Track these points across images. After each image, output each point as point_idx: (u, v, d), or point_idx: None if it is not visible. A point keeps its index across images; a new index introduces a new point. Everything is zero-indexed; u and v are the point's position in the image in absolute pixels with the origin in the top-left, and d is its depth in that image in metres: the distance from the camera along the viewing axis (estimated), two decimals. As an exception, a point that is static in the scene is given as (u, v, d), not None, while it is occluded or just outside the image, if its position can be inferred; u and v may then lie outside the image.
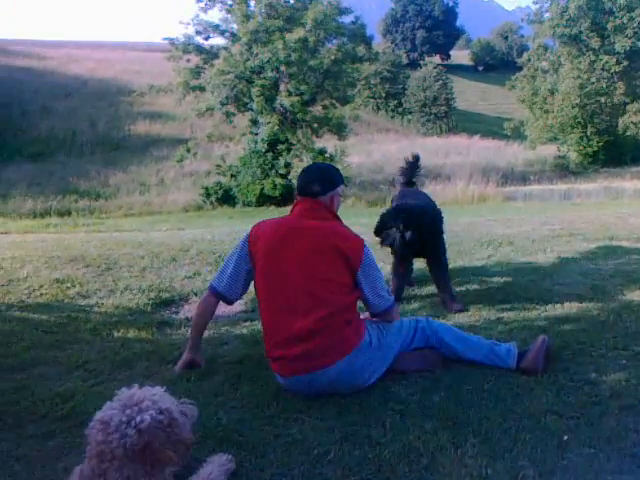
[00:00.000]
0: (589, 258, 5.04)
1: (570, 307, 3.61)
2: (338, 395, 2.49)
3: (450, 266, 4.55)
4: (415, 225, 3.63)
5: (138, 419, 1.51)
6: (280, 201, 20.77)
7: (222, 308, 3.94)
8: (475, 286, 4.26)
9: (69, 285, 4.31)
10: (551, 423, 2.24)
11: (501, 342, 2.87)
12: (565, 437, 2.15)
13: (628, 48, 32.46)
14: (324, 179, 2.76)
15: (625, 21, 32.31)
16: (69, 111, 31.17)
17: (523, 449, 2.08)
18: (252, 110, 22.88)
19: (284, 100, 22.11)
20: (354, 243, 2.61)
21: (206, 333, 3.36)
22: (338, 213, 2.82)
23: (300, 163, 22.18)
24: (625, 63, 32.92)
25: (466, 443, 2.11)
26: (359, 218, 10.36)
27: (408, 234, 3.63)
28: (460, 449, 2.08)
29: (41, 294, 4.16)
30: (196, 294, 4.20)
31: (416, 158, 4.79)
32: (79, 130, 29.32)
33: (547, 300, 3.75)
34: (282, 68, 22.22)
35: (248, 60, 22.30)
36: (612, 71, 32.90)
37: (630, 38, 32.30)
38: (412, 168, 4.66)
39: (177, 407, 1.66)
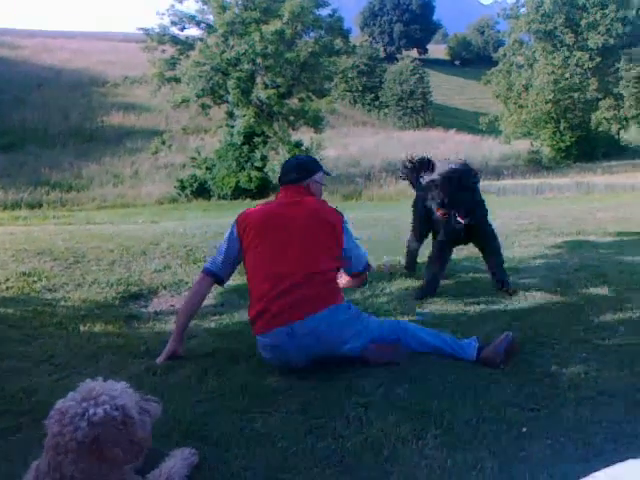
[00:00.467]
0: (556, 252, 5.13)
1: (534, 301, 3.67)
2: (303, 388, 2.51)
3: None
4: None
5: (91, 412, 1.50)
6: (256, 194, 20.72)
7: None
8: (444, 280, 4.30)
9: (36, 279, 4.25)
10: (511, 415, 2.28)
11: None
12: (524, 428, 2.19)
13: (601, 45, 33.01)
14: (300, 168, 3.04)
15: (598, 18, 32.81)
16: (42, 102, 30.65)
17: (483, 440, 2.11)
18: (228, 102, 22.78)
19: (260, 93, 22.05)
20: (333, 214, 2.91)
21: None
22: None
23: (276, 156, 22.17)
24: (598, 59, 33.47)
25: (428, 435, 2.14)
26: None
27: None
28: (422, 441, 2.11)
29: (7, 287, 4.09)
30: (165, 288, 4.18)
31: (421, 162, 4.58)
32: (52, 121, 28.86)
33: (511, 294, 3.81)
34: (258, 60, 22.14)
35: (224, 52, 22.17)
36: (585, 67, 33.43)
37: (603, 35, 32.83)
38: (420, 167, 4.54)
39: (137, 405, 1.64)
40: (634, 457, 1.39)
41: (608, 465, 1.37)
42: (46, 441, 1.55)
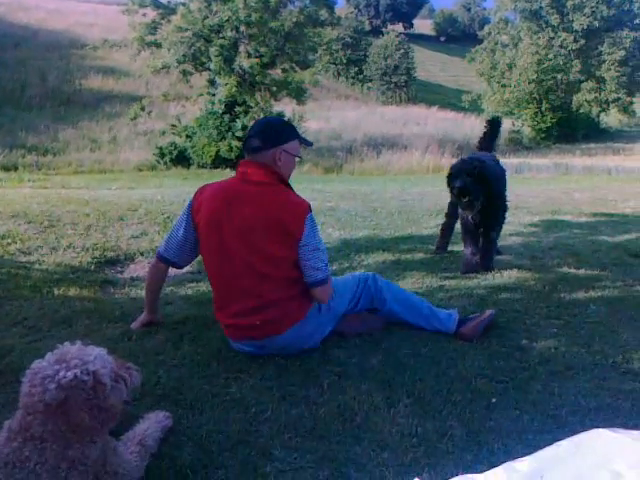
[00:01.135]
0: (531, 231, 5.21)
1: (509, 277, 3.73)
2: (279, 356, 2.53)
3: (398, 234, 4.65)
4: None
5: (61, 375, 1.49)
6: (236, 164, 20.40)
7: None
8: (421, 254, 4.35)
9: (10, 241, 4.20)
10: (481, 386, 2.33)
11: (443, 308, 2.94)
12: (493, 400, 2.24)
13: (586, 27, 33.07)
14: (267, 133, 2.48)
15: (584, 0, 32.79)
16: (18, 62, 29.83)
17: (453, 409, 2.16)
18: (210, 70, 22.40)
19: (243, 62, 21.73)
20: (295, 214, 2.43)
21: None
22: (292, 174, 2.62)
23: (257, 126, 21.91)
24: (582, 41, 33.57)
25: (399, 403, 2.18)
26: (314, 184, 10.38)
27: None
28: (393, 409, 2.14)
29: (-20, 249, 4.04)
30: (142, 254, 4.15)
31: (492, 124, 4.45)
32: (28, 82, 28.14)
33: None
34: (242, 28, 21.77)
35: (207, 18, 21.75)
36: (569, 49, 33.52)
37: (588, 17, 32.87)
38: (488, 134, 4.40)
39: (113, 372, 1.62)
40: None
41: (572, 436, 1.42)
42: (19, 401, 1.55)
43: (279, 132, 2.52)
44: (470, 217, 3.84)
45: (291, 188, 2.56)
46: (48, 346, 1.76)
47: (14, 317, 2.93)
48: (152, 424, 1.95)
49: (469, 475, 1.19)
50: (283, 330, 2.49)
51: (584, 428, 1.51)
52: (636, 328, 2.92)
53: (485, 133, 4.35)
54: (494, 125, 4.39)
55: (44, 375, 1.49)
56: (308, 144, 2.70)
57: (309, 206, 2.49)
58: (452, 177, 3.69)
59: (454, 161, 3.97)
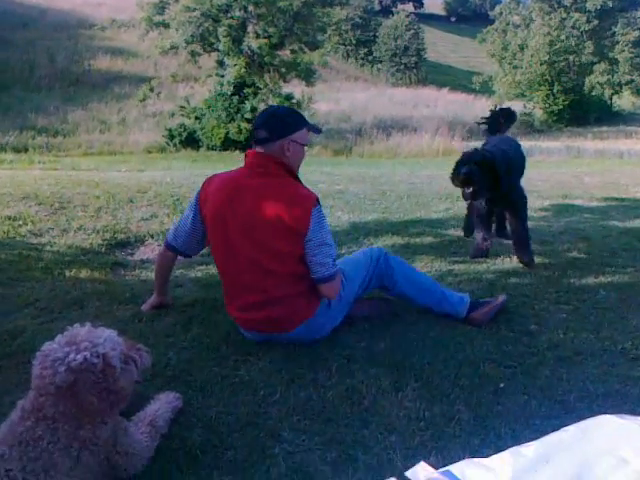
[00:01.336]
0: (541, 215, 5.17)
1: (518, 262, 3.71)
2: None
3: (407, 218, 4.64)
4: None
5: (71, 357, 1.51)
6: (245, 146, 20.46)
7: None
8: (430, 238, 4.34)
9: (21, 223, 4.22)
10: (489, 371, 2.34)
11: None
12: (501, 384, 2.25)
13: (599, 7, 32.54)
14: (274, 123, 2.41)
15: (598, -21, 32.24)
16: (26, 42, 29.72)
17: (461, 394, 2.17)
18: (218, 51, 22.23)
19: (252, 42, 21.53)
20: (300, 208, 2.34)
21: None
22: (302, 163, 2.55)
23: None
24: (595, 22, 33.05)
25: (407, 387, 2.19)
26: (323, 167, 10.35)
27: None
28: (401, 392, 2.16)
29: (-8, 231, 4.07)
30: (152, 236, 4.17)
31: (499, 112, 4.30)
32: (37, 63, 28.05)
33: (496, 254, 3.86)
34: (250, 8, 21.54)
35: (215, -3, 21.51)
36: (582, 30, 33.01)
37: (602, -3, 32.31)
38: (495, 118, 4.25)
39: (123, 354, 1.63)
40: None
41: (580, 421, 1.42)
42: (32, 382, 1.57)
43: (286, 122, 2.44)
44: (482, 203, 3.78)
45: (299, 180, 2.49)
46: (59, 327, 1.78)
47: (26, 298, 2.96)
48: (162, 405, 1.97)
49: (475, 459, 1.20)
50: (291, 329, 2.47)
51: (592, 414, 1.52)
52: (646, 314, 2.91)
53: (493, 117, 4.25)
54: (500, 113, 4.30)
55: (54, 357, 1.51)
56: (317, 131, 2.63)
57: (316, 199, 2.40)
58: (459, 164, 3.61)
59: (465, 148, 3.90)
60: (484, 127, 4.26)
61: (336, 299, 2.54)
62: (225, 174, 2.56)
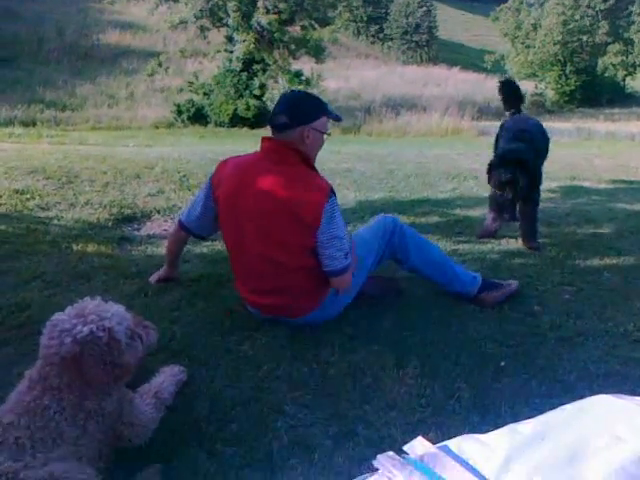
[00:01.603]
0: (549, 197, 5.15)
1: (522, 244, 3.71)
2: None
3: (414, 197, 4.64)
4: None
5: (78, 329, 1.53)
6: (253, 123, 20.39)
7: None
8: (436, 218, 4.34)
9: (29, 197, 4.24)
10: (491, 350, 2.36)
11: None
12: (502, 363, 2.27)
13: (616, -15, 31.91)
14: (295, 110, 2.34)
15: (615, -44, 31.59)
16: (35, 15, 29.53)
17: (462, 372, 2.20)
18: (228, 26, 22.03)
19: (261, 18, 21.30)
20: (313, 201, 2.28)
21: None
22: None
23: (275, 85, 21.68)
24: (611, 1, 32.44)
25: (409, 365, 2.22)
26: (331, 145, 10.31)
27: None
28: (402, 370, 2.18)
29: (0, 204, 4.09)
30: (159, 212, 4.19)
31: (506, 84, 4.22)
32: (46, 36, 27.86)
33: (502, 235, 3.85)
34: (261, -17, 21.29)
35: (225, -30, 21.27)
36: (597, 9, 32.45)
37: (619, -25, 31.70)
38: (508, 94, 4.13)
39: (129, 329, 1.65)
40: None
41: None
42: (40, 350, 1.60)
43: (308, 109, 2.37)
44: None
45: (315, 169, 2.43)
46: (66, 300, 1.81)
47: (33, 271, 2.99)
48: (167, 378, 2.01)
49: (473, 435, 1.22)
50: (297, 316, 2.48)
51: (592, 394, 1.52)
52: (649, 297, 2.91)
53: (506, 95, 4.16)
54: (508, 86, 4.20)
55: (62, 328, 1.54)
56: (338, 119, 2.55)
57: (330, 191, 2.32)
58: (496, 167, 3.51)
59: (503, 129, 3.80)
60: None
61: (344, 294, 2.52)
62: (240, 158, 2.51)
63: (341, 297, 2.53)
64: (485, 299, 2.74)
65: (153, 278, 2.87)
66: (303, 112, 2.35)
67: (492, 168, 3.51)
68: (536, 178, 3.62)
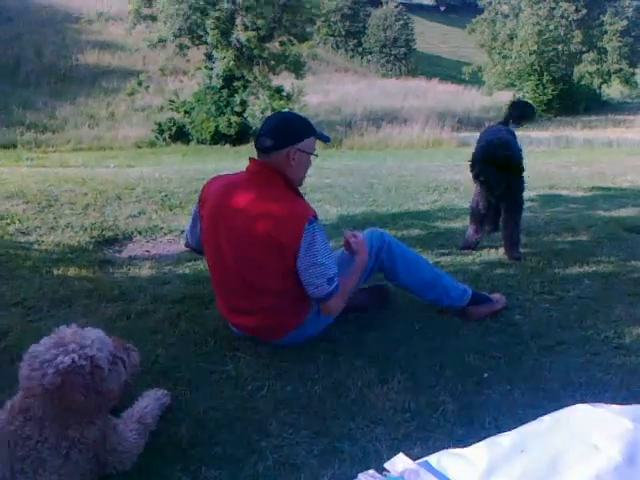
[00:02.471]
0: (528, 206, 5.15)
1: (503, 252, 3.74)
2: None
3: (395, 210, 4.66)
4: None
5: (59, 360, 1.52)
6: (235, 139, 20.45)
7: (166, 247, 3.98)
8: (417, 230, 4.37)
9: (8, 221, 4.21)
10: (474, 361, 2.37)
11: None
12: (485, 374, 2.29)
13: (588, -4, 32.51)
14: (281, 131, 2.32)
15: (586, -32, 32.22)
16: (12, 37, 29.40)
17: (445, 385, 2.20)
18: (207, 44, 22.13)
19: (240, 34, 21.43)
20: (292, 226, 2.24)
21: (148, 272, 3.41)
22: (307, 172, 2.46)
23: (256, 101, 21.77)
24: (584, 11, 33.05)
25: (393, 379, 2.22)
26: (313, 161, 10.34)
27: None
28: (387, 384, 2.19)
29: (-21, 229, 4.06)
30: (140, 233, 4.18)
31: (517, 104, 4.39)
32: (24, 58, 27.79)
33: (482, 246, 3.89)
34: (238, 0, 21.43)
35: (203, -11, 21.39)
36: (570, 19, 33.00)
37: (590, -14, 32.32)
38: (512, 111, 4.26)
39: (111, 354, 1.64)
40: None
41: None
42: (19, 383, 1.58)
43: (294, 130, 2.34)
44: (485, 200, 3.81)
45: (299, 194, 2.41)
46: (47, 326, 1.80)
47: (13, 297, 2.97)
48: (151, 402, 1.99)
49: (452, 449, 1.23)
50: (277, 338, 2.47)
51: (574, 402, 1.54)
52: (629, 303, 2.95)
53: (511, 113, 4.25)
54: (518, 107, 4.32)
55: (43, 359, 1.52)
56: (326, 140, 2.54)
57: (312, 217, 2.28)
58: (477, 163, 3.58)
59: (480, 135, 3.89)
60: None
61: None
62: (226, 177, 2.52)
63: (323, 317, 2.52)
64: (472, 313, 2.74)
65: None
66: (289, 134, 2.32)
67: (474, 161, 3.61)
68: (518, 179, 3.67)
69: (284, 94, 22.08)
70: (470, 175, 3.68)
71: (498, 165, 3.49)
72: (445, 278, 2.77)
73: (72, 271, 3.38)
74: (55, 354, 1.53)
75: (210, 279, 2.59)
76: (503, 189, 3.63)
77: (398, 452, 1.81)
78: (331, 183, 6.32)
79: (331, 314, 2.44)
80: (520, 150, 3.74)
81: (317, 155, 2.45)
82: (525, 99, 5.33)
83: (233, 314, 2.50)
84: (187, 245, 2.73)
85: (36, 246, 3.83)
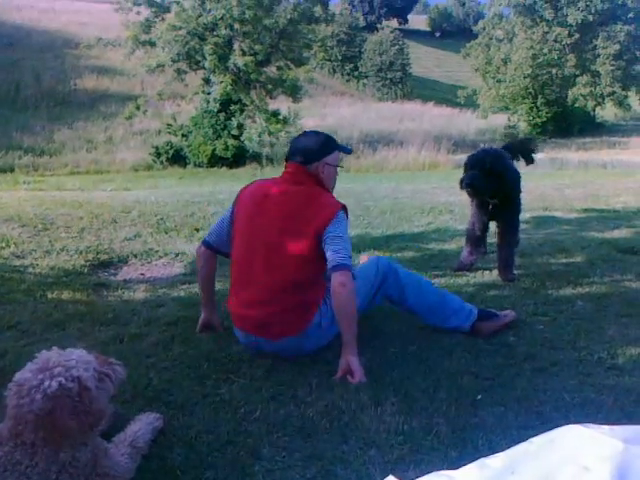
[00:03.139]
0: (522, 227, 5.19)
1: (497, 274, 3.76)
2: (268, 357, 2.57)
3: (390, 232, 4.68)
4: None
5: (46, 384, 1.51)
6: (232, 162, 20.56)
7: (161, 270, 3.98)
8: (411, 252, 4.38)
9: (3, 245, 4.22)
10: (467, 383, 2.37)
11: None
12: (479, 396, 2.28)
13: (580, 21, 33.06)
14: (308, 150, 2.59)
15: (578, -7, 32.77)
16: (12, 63, 29.71)
17: (439, 407, 2.20)
18: (205, 69, 22.36)
19: (238, 59, 21.68)
20: (326, 212, 2.47)
21: (142, 295, 3.41)
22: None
23: (253, 124, 21.95)
24: (576, 36, 33.56)
25: (386, 401, 2.22)
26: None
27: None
28: (380, 407, 2.18)
29: (-26, 253, 4.06)
30: (135, 256, 4.18)
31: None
32: (23, 83, 28.05)
33: (476, 267, 3.90)
34: (236, 26, 21.71)
35: (201, 16, 21.70)
36: (564, 43, 33.51)
37: (582, 11, 32.85)
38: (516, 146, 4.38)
39: (97, 372, 1.63)
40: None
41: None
42: (7, 410, 1.58)
43: (319, 147, 2.60)
44: (480, 222, 3.85)
45: (326, 191, 2.64)
46: (41, 350, 1.79)
47: (8, 321, 2.96)
48: (143, 425, 1.98)
49: (442, 472, 1.23)
50: (277, 337, 2.52)
51: (567, 423, 1.54)
52: (622, 324, 2.96)
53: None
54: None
55: (30, 386, 1.51)
56: (347, 151, 2.84)
57: (343, 207, 2.56)
58: (464, 169, 3.66)
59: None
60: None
61: (328, 321, 2.55)
62: (263, 180, 2.78)
63: (324, 331, 2.56)
64: (480, 330, 2.80)
65: (198, 328, 2.83)
66: (316, 150, 2.59)
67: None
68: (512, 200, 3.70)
69: (280, 117, 22.26)
70: (465, 197, 3.71)
71: (484, 170, 3.52)
72: (451, 299, 2.85)
73: (66, 294, 3.38)
74: (41, 379, 1.52)
75: (230, 277, 2.65)
76: (497, 209, 3.67)
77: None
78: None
79: (341, 287, 2.40)
80: (517, 172, 3.78)
81: (342, 167, 2.69)
82: (528, 138, 5.41)
83: (242, 307, 2.57)
84: (204, 244, 2.77)
85: (31, 269, 3.83)
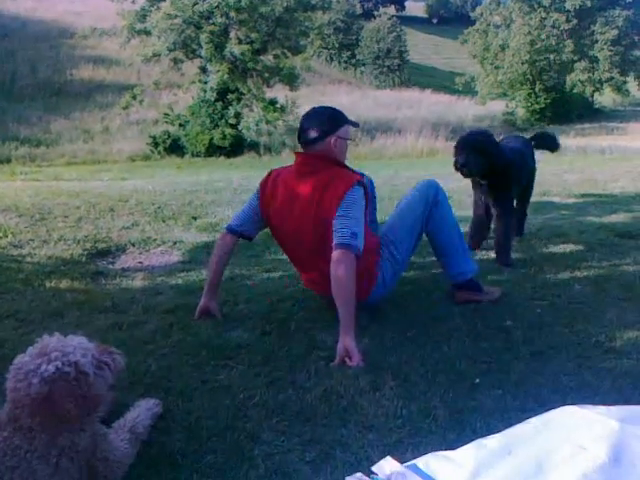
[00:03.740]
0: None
1: (495, 259, 3.76)
2: (267, 343, 2.58)
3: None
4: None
5: (43, 368, 1.52)
6: (230, 152, 20.51)
7: (159, 258, 3.98)
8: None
9: (1, 235, 4.21)
10: (465, 367, 2.37)
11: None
12: (477, 380, 2.29)
13: (578, 6, 32.92)
14: (322, 123, 2.65)
15: (576, -22, 32.59)
16: (7, 53, 29.53)
17: (437, 391, 2.20)
18: (201, 57, 22.24)
19: (234, 48, 21.55)
20: (343, 185, 2.57)
21: (141, 283, 3.41)
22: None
23: (250, 113, 21.87)
24: (574, 21, 33.42)
25: (385, 386, 2.23)
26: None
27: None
28: (379, 392, 2.19)
29: (-28, 244, 4.06)
30: (133, 244, 4.18)
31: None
32: (19, 73, 27.89)
33: (474, 252, 3.90)
34: (232, 14, 21.57)
35: (196, 4, 21.52)
36: (562, 29, 33.38)
37: (580, -4, 32.68)
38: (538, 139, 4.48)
39: (95, 359, 1.64)
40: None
41: (546, 412, 1.46)
42: (6, 395, 1.59)
43: (333, 120, 2.69)
44: (478, 206, 3.92)
45: (346, 166, 2.76)
46: (40, 338, 1.80)
47: (6, 310, 2.96)
48: (142, 411, 1.99)
49: (440, 452, 1.23)
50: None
51: (564, 406, 1.56)
52: (620, 307, 2.97)
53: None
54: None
55: (27, 370, 1.52)
56: (355, 125, 2.94)
57: (358, 180, 2.63)
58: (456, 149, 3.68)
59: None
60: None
61: (391, 272, 2.82)
62: (281, 169, 2.84)
63: (389, 282, 2.84)
64: (459, 296, 2.99)
65: (196, 315, 2.84)
66: (329, 124, 2.66)
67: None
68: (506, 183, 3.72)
69: (278, 106, 22.17)
70: (463, 184, 3.72)
71: (475, 150, 3.53)
72: (468, 251, 3.10)
73: (64, 283, 3.38)
74: (38, 363, 1.53)
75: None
76: (490, 190, 3.72)
77: (390, 458, 1.83)
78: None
79: (337, 269, 2.47)
80: (513, 157, 3.78)
81: (353, 139, 2.72)
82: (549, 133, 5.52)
83: (315, 285, 2.88)
84: (228, 229, 2.84)
85: (29, 259, 3.83)
